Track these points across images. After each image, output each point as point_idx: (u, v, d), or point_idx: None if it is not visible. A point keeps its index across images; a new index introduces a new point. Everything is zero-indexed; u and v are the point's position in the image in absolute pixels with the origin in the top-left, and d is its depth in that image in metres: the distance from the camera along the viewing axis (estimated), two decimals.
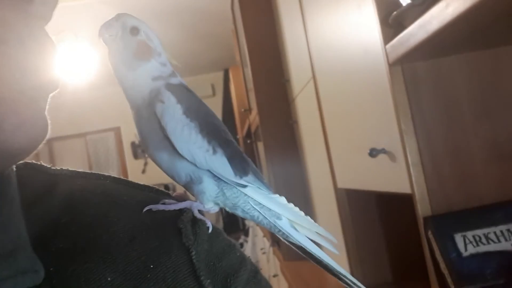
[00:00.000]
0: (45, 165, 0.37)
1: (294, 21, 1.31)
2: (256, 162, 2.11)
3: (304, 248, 0.37)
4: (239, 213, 0.37)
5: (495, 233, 0.60)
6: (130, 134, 4.75)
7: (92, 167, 4.72)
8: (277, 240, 1.81)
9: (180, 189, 0.40)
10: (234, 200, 0.36)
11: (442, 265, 0.60)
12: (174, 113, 0.34)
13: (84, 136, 4.72)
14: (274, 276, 1.96)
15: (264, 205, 0.37)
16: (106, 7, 2.95)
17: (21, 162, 0.35)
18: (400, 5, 0.65)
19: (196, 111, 0.36)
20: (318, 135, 1.19)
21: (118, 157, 4.79)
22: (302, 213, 0.38)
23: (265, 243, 2.28)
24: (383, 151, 0.76)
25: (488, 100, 0.68)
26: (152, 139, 0.35)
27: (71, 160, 4.70)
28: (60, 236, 0.30)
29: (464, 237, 0.60)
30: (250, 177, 0.36)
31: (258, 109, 1.61)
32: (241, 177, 0.36)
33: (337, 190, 1.11)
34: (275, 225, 0.37)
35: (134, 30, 0.36)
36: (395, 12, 0.62)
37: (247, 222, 3.30)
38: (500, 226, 0.60)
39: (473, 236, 0.60)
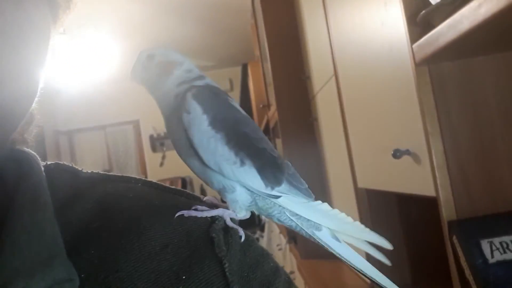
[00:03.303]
0: (76, 167, 0.36)
1: (316, 16, 1.29)
2: None
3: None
4: (275, 221, 0.36)
5: None
6: (149, 127, 4.79)
7: (111, 159, 4.78)
8: (294, 237, 1.80)
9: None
10: (268, 210, 0.35)
11: (467, 272, 0.59)
12: (200, 124, 0.34)
13: (103, 129, 4.78)
14: (290, 273, 1.95)
15: (301, 215, 0.35)
16: (126, 1, 2.97)
17: (51, 163, 0.36)
18: (428, 3, 0.63)
19: (223, 119, 0.35)
20: (339, 133, 1.18)
21: (137, 149, 4.84)
22: (350, 219, 0.35)
23: (282, 239, 2.28)
24: (407, 152, 0.74)
25: None
26: (182, 146, 0.35)
27: (91, 152, 4.76)
28: (91, 242, 0.30)
29: (491, 243, 0.58)
30: (284, 187, 0.35)
31: (277, 105, 1.59)
32: (272, 188, 0.34)
33: (357, 190, 1.09)
34: (313, 237, 0.35)
35: (150, 58, 0.37)
36: (423, 11, 0.61)
37: (263, 217, 3.29)
38: None
39: (500, 243, 0.58)
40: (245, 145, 0.34)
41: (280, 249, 2.32)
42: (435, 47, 0.59)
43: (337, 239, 0.35)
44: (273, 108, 1.73)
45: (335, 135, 1.24)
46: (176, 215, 0.33)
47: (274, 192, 0.34)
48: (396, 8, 0.70)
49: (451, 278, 0.65)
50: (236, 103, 0.37)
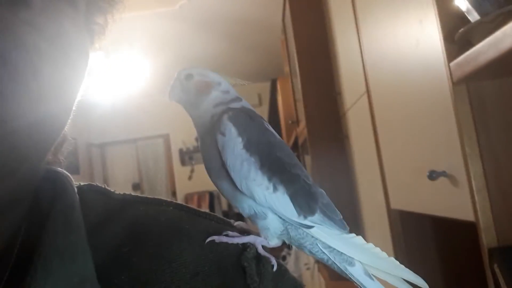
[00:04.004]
0: (109, 188, 0.36)
1: (347, 33, 1.28)
2: None
3: None
4: (306, 252, 0.35)
5: None
6: (178, 141, 4.86)
7: (141, 172, 4.86)
8: None
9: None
10: (300, 241, 0.34)
11: None
12: (234, 147, 0.33)
13: (134, 142, 4.87)
14: None
15: (334, 248, 0.33)
16: (159, 19, 3.05)
17: (84, 184, 0.36)
18: (466, 21, 0.61)
19: (258, 143, 0.34)
20: (371, 151, 1.15)
21: (166, 163, 4.90)
22: (384, 254, 0.34)
23: (310, 258, 2.23)
24: (444, 174, 0.71)
25: None
26: (214, 167, 0.34)
27: (122, 165, 4.86)
28: (122, 266, 0.29)
29: None
30: (317, 217, 0.33)
31: (306, 121, 1.58)
32: (305, 217, 0.33)
33: (390, 211, 1.06)
34: (345, 272, 0.34)
35: (188, 77, 0.37)
36: (462, 29, 0.58)
37: None
38: None
39: None
40: (278, 171, 0.33)
41: (308, 269, 2.28)
42: (475, 65, 0.57)
43: (370, 277, 0.33)
44: (302, 124, 1.72)
45: (367, 153, 1.21)
46: (207, 240, 0.32)
47: (306, 222, 0.33)
48: (433, 25, 0.68)
49: None
50: (271, 128, 0.36)
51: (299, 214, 0.33)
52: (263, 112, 4.60)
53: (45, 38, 0.24)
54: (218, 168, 0.34)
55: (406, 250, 0.99)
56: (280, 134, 3.43)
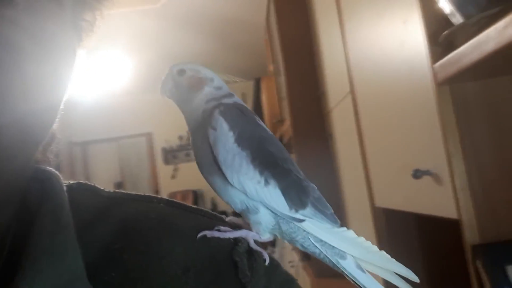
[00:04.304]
0: (98, 186, 0.36)
1: (332, 32, 1.29)
2: None
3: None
4: (298, 247, 0.35)
5: None
6: (161, 140, 4.82)
7: (123, 171, 4.81)
8: (307, 254, 1.77)
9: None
10: (291, 235, 0.34)
11: None
12: (226, 141, 0.33)
13: (117, 141, 4.82)
14: None
15: (326, 242, 0.34)
16: (141, 16, 3.02)
17: (74, 182, 0.36)
18: (449, 23, 0.62)
19: (249, 137, 0.34)
20: (355, 150, 1.17)
21: (149, 162, 4.86)
22: (375, 248, 0.34)
23: (294, 256, 2.25)
24: (428, 172, 0.73)
25: None
26: (205, 162, 0.34)
27: (104, 164, 4.80)
28: (113, 263, 0.29)
29: None
30: (308, 210, 0.33)
31: (291, 120, 1.59)
32: (297, 211, 0.33)
33: (374, 209, 1.08)
34: (337, 266, 0.34)
35: (180, 73, 0.37)
36: (446, 31, 0.60)
37: None
38: None
39: None
40: (270, 165, 0.33)
41: (292, 266, 2.29)
42: (458, 67, 0.58)
43: (362, 270, 0.34)
44: (287, 123, 1.73)
45: (351, 151, 1.23)
46: (199, 235, 0.32)
47: (298, 215, 0.33)
48: (417, 27, 0.69)
49: None
50: (262, 123, 0.36)
51: (290, 208, 0.33)
52: None
53: (29, 36, 0.24)
54: (210, 163, 0.34)
55: (390, 247, 1.00)
56: None
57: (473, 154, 0.65)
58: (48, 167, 0.34)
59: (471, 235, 0.63)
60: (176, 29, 3.35)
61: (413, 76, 0.74)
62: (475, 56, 0.54)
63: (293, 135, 1.59)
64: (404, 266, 0.34)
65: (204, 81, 0.36)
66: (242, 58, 4.03)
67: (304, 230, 0.34)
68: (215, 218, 0.36)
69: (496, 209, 0.63)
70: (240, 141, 0.33)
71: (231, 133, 0.33)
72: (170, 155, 4.84)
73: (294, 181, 0.34)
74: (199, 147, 0.35)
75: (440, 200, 0.70)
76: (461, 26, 0.57)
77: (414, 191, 0.81)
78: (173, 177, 4.76)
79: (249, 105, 4.59)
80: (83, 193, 0.35)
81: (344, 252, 0.34)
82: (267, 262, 0.32)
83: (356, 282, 0.34)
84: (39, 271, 0.25)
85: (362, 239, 0.34)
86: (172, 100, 0.37)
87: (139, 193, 0.36)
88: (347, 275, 0.34)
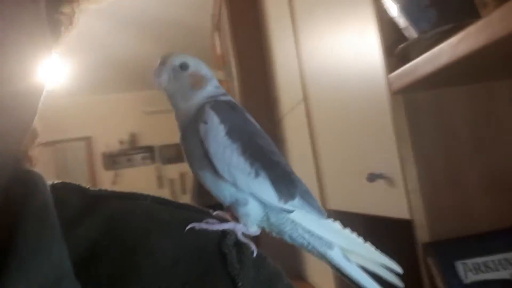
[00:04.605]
0: (83, 185, 0.36)
1: (285, 40, 1.33)
2: None
3: (357, 283, 0.35)
4: (286, 239, 0.36)
5: (493, 261, 0.61)
6: (102, 144, 4.65)
7: (60, 177, 4.55)
8: None
9: None
10: (280, 226, 0.35)
11: None
12: (216, 134, 0.34)
13: (53, 145, 4.58)
14: None
15: (313, 233, 0.35)
16: (82, 17, 2.91)
17: (58, 182, 0.35)
18: (403, 37, 0.67)
19: (240, 131, 0.35)
20: (308, 156, 1.20)
21: (88, 167, 4.67)
22: (360, 240, 0.35)
23: None
24: (382, 176, 0.77)
25: (484, 132, 0.71)
26: (195, 157, 0.35)
27: (38, 169, 4.53)
28: (100, 260, 0.29)
29: (464, 264, 0.62)
30: (297, 201, 0.34)
31: None
32: (286, 202, 0.34)
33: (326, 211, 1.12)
34: (325, 256, 0.35)
35: (184, 66, 0.36)
36: (402, 45, 0.64)
37: None
38: (497, 255, 0.62)
39: (473, 264, 0.62)
40: (260, 157, 0.34)
41: None
42: (412, 78, 0.63)
43: (349, 260, 0.35)
44: None
45: (304, 157, 1.26)
46: (187, 227, 0.32)
47: (287, 206, 0.34)
48: (372, 39, 0.74)
49: None
50: (252, 118, 0.37)
51: (280, 199, 0.34)
52: None
53: None
54: (200, 157, 0.34)
55: None
56: None
57: (424, 159, 0.70)
58: (30, 168, 0.33)
59: (422, 234, 0.68)
60: (118, 31, 3.26)
61: (368, 85, 0.79)
62: (429, 68, 0.58)
63: None
64: (387, 258, 0.36)
65: (206, 80, 0.36)
66: None
67: (293, 221, 0.34)
68: (202, 212, 0.36)
69: (444, 209, 0.68)
70: (231, 134, 0.34)
71: (221, 126, 0.34)
72: (111, 161, 4.68)
73: (282, 173, 0.35)
74: (189, 142, 0.35)
75: (393, 201, 0.75)
76: (416, 40, 0.62)
77: (368, 194, 0.86)
78: (114, 183, 4.60)
79: None
80: (68, 192, 0.34)
81: (331, 242, 0.35)
82: (254, 254, 0.33)
83: (343, 272, 0.35)
84: (26, 270, 0.25)
85: (348, 230, 0.36)
86: (166, 93, 0.36)
87: (125, 191, 0.36)
88: (334, 266, 0.35)
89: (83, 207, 0.33)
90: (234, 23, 1.68)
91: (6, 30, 0.24)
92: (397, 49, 0.66)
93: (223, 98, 0.36)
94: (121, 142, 4.73)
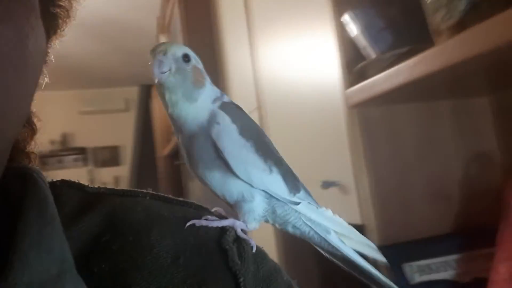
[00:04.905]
0: (82, 183, 0.35)
1: (240, 47, 1.35)
2: (182, 184, 2.09)
3: (349, 262, 0.38)
4: (289, 229, 0.37)
5: (435, 264, 0.68)
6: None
7: None
8: None
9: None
10: (285, 217, 0.37)
11: None
12: (231, 134, 0.34)
13: None
14: None
15: (314, 221, 0.37)
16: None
17: (57, 180, 0.35)
18: (360, 55, 0.72)
19: (249, 129, 0.36)
20: None
21: None
22: (347, 224, 0.39)
23: None
24: (335, 184, 0.82)
25: (427, 146, 0.78)
26: (204, 160, 0.34)
27: None
28: (102, 255, 0.29)
29: (411, 267, 0.67)
30: (302, 194, 0.37)
31: None
32: (294, 195, 0.36)
33: None
34: (325, 240, 0.38)
35: (186, 57, 0.34)
36: (361, 64, 0.69)
37: None
38: (438, 258, 0.68)
39: (418, 266, 0.68)
40: (269, 154, 0.36)
41: None
42: (370, 94, 0.68)
43: (343, 242, 0.38)
44: None
45: None
46: (187, 224, 0.33)
47: (295, 199, 0.36)
48: (331, 55, 0.78)
49: None
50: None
51: (290, 192, 0.36)
52: (131, 118, 4.44)
53: None
54: (210, 158, 0.34)
55: (287, 251, 1.09)
56: (152, 143, 3.33)
57: (375, 169, 0.75)
58: (29, 165, 0.33)
59: (373, 238, 0.73)
60: None
61: (325, 98, 0.84)
62: (387, 86, 0.64)
63: None
64: (366, 238, 0.39)
65: (204, 75, 0.35)
66: (129, 63, 3.89)
67: (296, 211, 0.37)
68: (201, 209, 0.37)
69: (392, 215, 0.74)
70: (243, 133, 0.35)
71: (234, 126, 0.34)
72: (40, 162, 4.40)
73: (287, 168, 0.37)
74: (198, 145, 0.34)
75: (346, 208, 0.80)
76: (375, 60, 0.67)
77: (322, 201, 0.89)
78: None
79: (133, 112, 4.44)
80: (67, 189, 0.34)
81: (328, 228, 0.38)
82: (254, 249, 0.33)
83: (342, 252, 0.38)
84: (28, 264, 0.25)
85: (337, 216, 0.39)
86: (163, 88, 0.34)
87: (124, 188, 0.36)
88: (334, 246, 0.38)
89: (83, 203, 0.33)
90: (187, 28, 1.67)
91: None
92: (356, 67, 0.71)
93: (225, 98, 0.36)
94: (52, 142, 4.48)
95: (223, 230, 0.34)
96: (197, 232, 0.33)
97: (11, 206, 0.29)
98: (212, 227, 0.34)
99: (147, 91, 3.91)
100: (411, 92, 0.68)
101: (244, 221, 0.35)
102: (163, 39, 2.46)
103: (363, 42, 0.71)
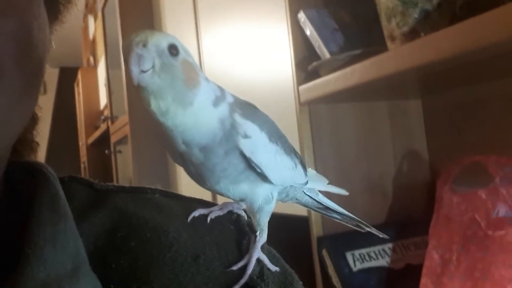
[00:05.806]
0: (90, 180, 0.35)
1: (185, 37, 1.33)
2: (113, 173, 2.00)
3: (330, 210, 0.42)
4: (293, 201, 0.38)
5: (374, 252, 0.74)
6: None
7: None
8: None
9: None
10: (295, 196, 0.37)
11: (335, 279, 0.71)
12: (264, 146, 0.31)
13: None
14: None
15: (311, 189, 0.39)
16: None
17: (66, 176, 0.34)
18: (315, 53, 0.75)
19: (272, 130, 0.33)
20: None
21: None
22: (322, 176, 0.41)
23: None
24: None
25: (366, 142, 0.84)
26: (228, 174, 0.31)
27: None
28: (119, 251, 0.29)
29: (353, 255, 0.72)
30: (308, 171, 0.38)
31: (130, 119, 1.55)
32: (306, 177, 0.37)
33: None
34: (316, 201, 0.40)
35: (173, 50, 0.26)
36: (315, 63, 0.72)
37: None
38: (377, 246, 0.74)
39: (359, 254, 0.73)
40: (290, 148, 0.36)
41: None
42: (322, 92, 0.71)
43: (323, 196, 0.41)
44: (121, 121, 1.67)
45: None
46: (192, 214, 0.32)
47: (307, 179, 0.37)
48: (285, 52, 0.81)
49: (316, 285, 0.78)
50: None
51: (305, 176, 0.37)
52: (49, 101, 4.15)
53: None
54: (239, 172, 0.31)
55: None
56: (75, 127, 3.15)
57: (321, 162, 0.79)
58: (39, 162, 0.32)
59: (317, 229, 0.77)
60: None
61: (277, 93, 0.86)
62: (340, 85, 0.67)
63: (131, 132, 1.55)
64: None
65: (197, 71, 0.28)
66: None
67: (301, 188, 0.38)
68: (210, 204, 0.36)
69: None
70: (271, 138, 0.32)
71: (263, 135, 0.31)
72: None
73: (297, 151, 0.38)
74: (219, 160, 0.30)
75: None
76: (329, 60, 0.71)
77: None
78: None
79: (51, 95, 4.15)
80: (77, 185, 0.33)
81: (316, 190, 0.40)
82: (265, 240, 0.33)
83: (327, 204, 0.41)
84: (43, 259, 0.25)
85: (314, 171, 0.42)
86: (149, 91, 0.26)
87: (131, 185, 0.36)
88: (323, 203, 0.41)
89: (92, 199, 0.32)
90: (124, 10, 1.61)
91: (4, 10, 0.24)
92: (310, 65, 0.74)
93: (229, 97, 0.31)
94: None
95: (241, 232, 0.34)
96: (211, 231, 0.33)
97: (20, 201, 0.28)
98: (226, 228, 0.34)
99: (69, 75, 3.68)
100: (359, 93, 0.73)
101: (258, 224, 0.33)
102: (91, 20, 2.33)
103: (317, 41, 0.74)
